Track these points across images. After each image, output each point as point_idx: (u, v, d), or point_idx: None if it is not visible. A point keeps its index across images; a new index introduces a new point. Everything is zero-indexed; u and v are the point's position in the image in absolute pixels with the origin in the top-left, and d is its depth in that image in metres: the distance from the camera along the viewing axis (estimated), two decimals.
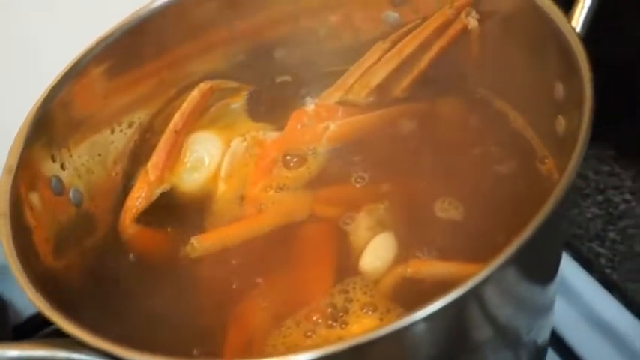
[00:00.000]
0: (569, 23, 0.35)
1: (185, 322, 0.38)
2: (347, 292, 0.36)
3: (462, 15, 0.42)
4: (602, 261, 0.55)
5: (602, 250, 0.55)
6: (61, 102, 0.40)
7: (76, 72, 0.41)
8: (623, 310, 0.49)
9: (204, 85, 0.48)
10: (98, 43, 0.42)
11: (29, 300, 0.31)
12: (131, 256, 0.43)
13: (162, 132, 0.47)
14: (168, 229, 0.44)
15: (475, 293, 0.27)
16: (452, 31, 0.43)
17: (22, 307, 0.57)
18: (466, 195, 0.41)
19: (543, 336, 0.39)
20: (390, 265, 0.37)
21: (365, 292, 0.36)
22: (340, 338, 0.30)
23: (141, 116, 0.47)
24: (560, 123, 0.36)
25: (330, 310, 0.35)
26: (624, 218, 0.57)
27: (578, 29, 0.35)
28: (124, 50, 0.43)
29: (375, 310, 0.35)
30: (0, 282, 0.55)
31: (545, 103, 0.37)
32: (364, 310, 0.35)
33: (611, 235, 0.56)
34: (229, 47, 0.49)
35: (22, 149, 0.37)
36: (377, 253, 0.38)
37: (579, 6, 0.35)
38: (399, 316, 0.26)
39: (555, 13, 0.35)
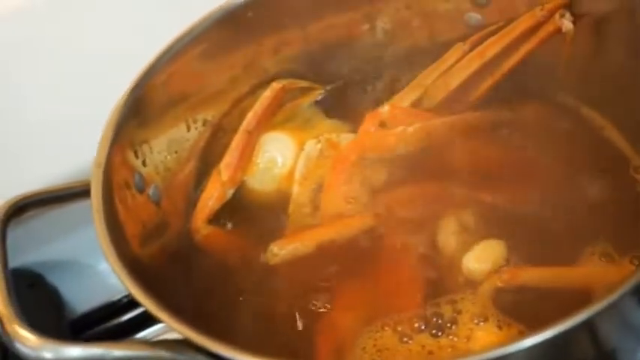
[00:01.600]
0: None
1: (269, 329, 0.37)
2: (455, 302, 0.35)
3: (556, 16, 0.41)
4: None
5: None
6: (146, 94, 0.40)
7: (167, 58, 0.41)
8: None
9: (276, 85, 0.47)
10: (187, 33, 0.41)
11: (135, 299, 0.29)
12: (205, 258, 0.42)
13: (233, 131, 0.46)
14: (243, 232, 0.43)
15: (605, 313, 0.26)
16: (543, 34, 0.41)
17: (77, 304, 0.56)
18: (555, 204, 0.40)
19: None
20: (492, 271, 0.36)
21: (474, 303, 0.35)
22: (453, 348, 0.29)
23: (214, 114, 0.46)
24: None
25: (435, 319, 0.34)
26: None
27: None
28: (206, 42, 0.43)
29: (486, 321, 0.34)
30: (57, 278, 0.55)
31: None
32: (475, 322, 0.34)
33: None
34: (303, 45, 0.48)
35: (110, 143, 0.36)
36: (485, 255, 0.36)
37: None
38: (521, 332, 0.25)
39: None
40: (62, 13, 0.47)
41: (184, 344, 0.27)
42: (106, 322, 0.54)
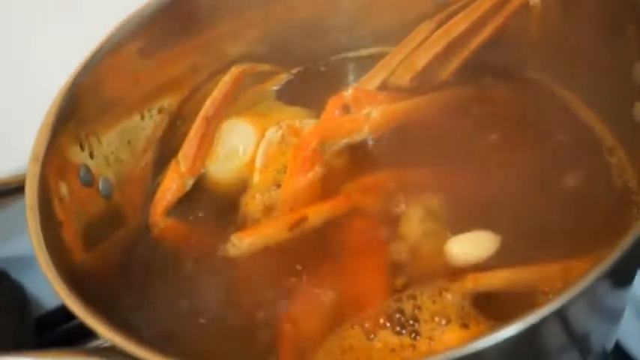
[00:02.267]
0: None
1: (228, 325, 0.35)
2: (414, 297, 0.33)
3: None
4: None
5: None
6: (91, 83, 0.38)
7: (106, 50, 0.39)
8: None
9: (235, 69, 0.45)
10: (130, 21, 0.39)
11: (62, 301, 0.28)
12: (163, 251, 0.41)
13: (192, 119, 0.44)
14: (203, 224, 0.41)
15: (567, 307, 0.24)
16: (510, 8, 0.39)
17: (44, 300, 0.54)
18: (525, 188, 0.38)
19: (611, 343, 0.36)
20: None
21: (434, 302, 0.33)
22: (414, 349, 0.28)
23: (171, 101, 0.44)
24: (638, 110, 0.33)
25: (397, 316, 0.32)
26: None
27: None
28: (157, 29, 0.41)
29: (448, 322, 0.32)
30: (21, 274, 0.53)
31: (619, 88, 0.34)
32: (436, 320, 0.32)
33: None
34: (264, 28, 0.46)
35: (50, 136, 0.35)
36: (472, 245, 0.35)
37: None
38: (490, 329, 0.24)
39: None
40: None
41: (115, 351, 0.26)
42: (73, 320, 0.53)
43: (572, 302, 0.25)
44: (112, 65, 0.39)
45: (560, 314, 0.26)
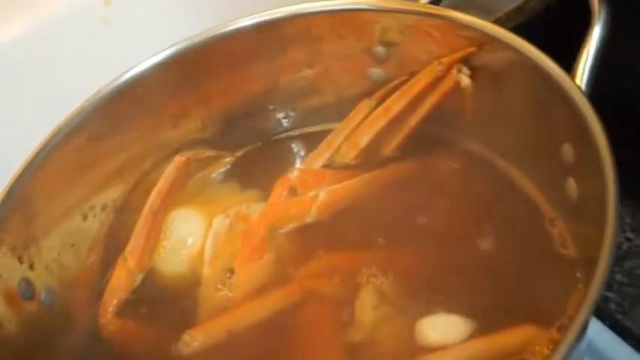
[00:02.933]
0: (573, 81, 0.32)
1: None
2: None
3: (453, 71, 0.39)
4: (612, 306, 0.52)
5: (610, 295, 0.53)
6: (30, 187, 0.37)
7: (38, 160, 0.38)
8: (637, 357, 0.46)
9: (179, 158, 0.45)
10: (67, 121, 0.39)
11: None
12: (116, 355, 0.40)
13: (139, 210, 0.44)
14: (155, 322, 0.40)
15: None
16: (443, 88, 0.40)
17: None
18: (475, 262, 0.38)
19: None
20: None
21: None
22: None
23: (115, 196, 0.43)
24: (571, 185, 0.34)
25: None
26: (629, 258, 0.54)
27: (583, 87, 0.33)
28: (93, 124, 0.40)
29: None
30: None
31: (552, 164, 0.35)
32: None
33: (618, 277, 0.54)
34: (204, 113, 0.46)
35: None
36: (446, 328, 0.34)
37: (582, 60, 0.33)
38: None
39: (556, 71, 0.33)
40: None
41: None
42: None
43: None
44: (56, 161, 0.38)
45: None
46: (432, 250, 0.40)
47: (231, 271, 0.42)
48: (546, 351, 0.32)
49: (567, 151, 0.33)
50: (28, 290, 0.36)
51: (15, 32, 0.49)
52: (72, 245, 0.41)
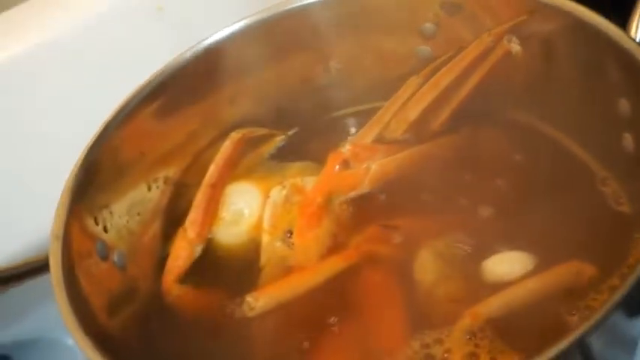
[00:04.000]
0: (628, 34, 0.34)
1: None
2: (441, 342, 0.34)
3: (504, 41, 0.41)
4: None
5: None
6: (104, 154, 0.39)
7: (123, 116, 0.40)
8: None
9: (235, 135, 0.47)
10: (145, 85, 0.41)
11: None
12: (178, 319, 0.41)
13: (196, 186, 0.45)
14: (217, 288, 0.42)
15: (595, 331, 0.25)
16: (493, 59, 0.42)
17: None
18: (527, 228, 0.39)
19: None
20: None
21: (459, 341, 0.34)
22: None
23: (175, 170, 0.45)
24: (628, 141, 0.35)
25: None
26: None
27: (639, 40, 0.34)
28: (168, 93, 0.42)
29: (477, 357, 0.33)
30: (26, 358, 0.52)
31: (605, 124, 0.36)
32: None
33: None
34: (259, 93, 0.48)
35: (67, 212, 0.35)
36: (511, 263, 0.36)
37: (637, 13, 0.34)
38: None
39: (609, 27, 0.34)
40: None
41: None
42: None
43: (592, 332, 0.26)
44: (126, 132, 0.40)
45: (581, 344, 0.27)
46: (483, 219, 0.41)
47: (291, 238, 0.43)
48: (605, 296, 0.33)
49: (624, 106, 0.35)
50: (103, 251, 0.38)
51: (74, 23, 0.51)
52: (138, 214, 0.42)
